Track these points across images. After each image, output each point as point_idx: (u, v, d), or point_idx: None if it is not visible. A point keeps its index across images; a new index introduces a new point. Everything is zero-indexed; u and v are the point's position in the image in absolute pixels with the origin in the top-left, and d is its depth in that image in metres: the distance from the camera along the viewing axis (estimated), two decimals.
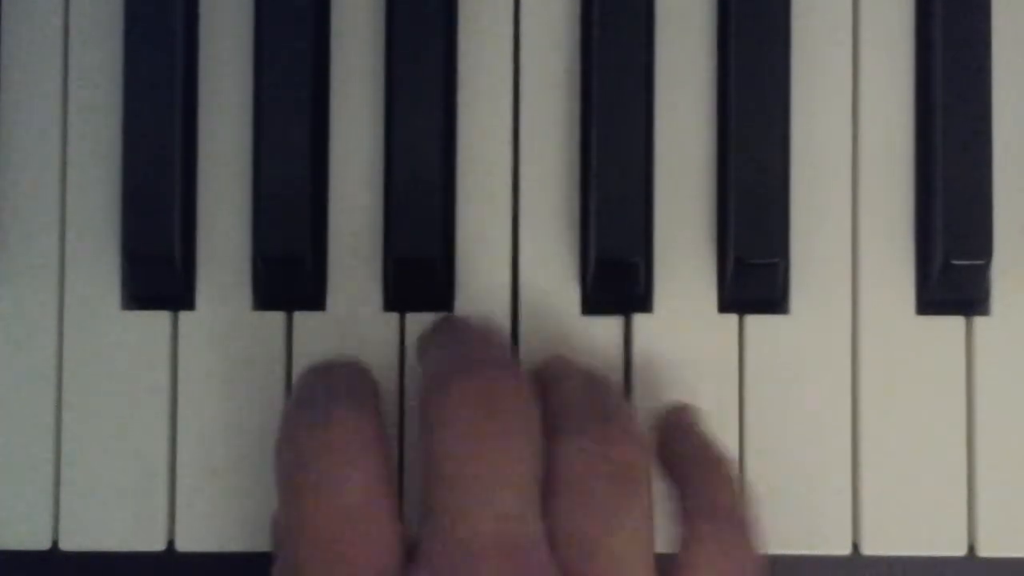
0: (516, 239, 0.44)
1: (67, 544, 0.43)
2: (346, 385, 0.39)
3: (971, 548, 0.43)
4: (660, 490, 0.41)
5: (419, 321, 0.43)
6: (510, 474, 0.36)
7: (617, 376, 0.43)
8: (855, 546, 0.43)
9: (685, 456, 0.41)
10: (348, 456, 0.37)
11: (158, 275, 0.43)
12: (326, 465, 0.36)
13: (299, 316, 0.43)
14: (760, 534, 0.40)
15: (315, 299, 0.43)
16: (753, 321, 0.43)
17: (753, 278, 0.43)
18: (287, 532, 0.37)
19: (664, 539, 0.39)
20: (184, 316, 0.43)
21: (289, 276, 0.43)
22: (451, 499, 0.36)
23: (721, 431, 0.43)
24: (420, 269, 0.43)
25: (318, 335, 0.43)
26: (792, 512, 0.43)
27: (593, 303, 0.43)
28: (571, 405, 0.39)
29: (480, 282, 0.43)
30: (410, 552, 0.36)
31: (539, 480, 0.37)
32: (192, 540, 0.43)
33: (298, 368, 0.43)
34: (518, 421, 0.37)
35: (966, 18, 0.43)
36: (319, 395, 0.38)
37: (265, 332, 0.43)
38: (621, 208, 0.42)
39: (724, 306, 0.43)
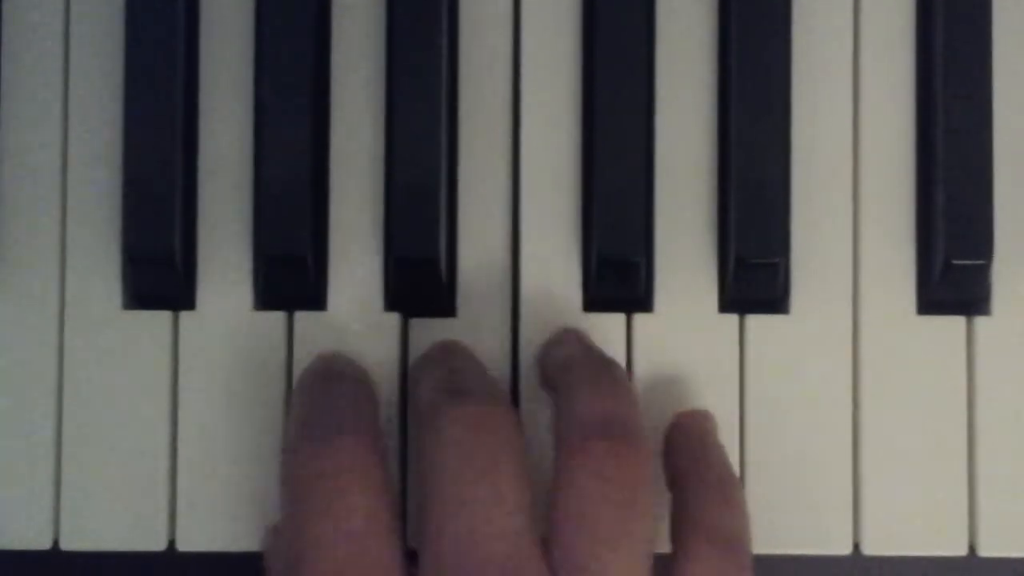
0: (517, 239, 0.44)
1: (67, 544, 0.43)
2: (351, 405, 0.39)
3: (971, 548, 0.43)
4: (661, 491, 0.41)
5: (419, 321, 0.43)
6: (507, 495, 0.36)
7: None
8: (855, 546, 0.43)
9: (694, 470, 0.40)
10: (353, 481, 0.37)
11: (159, 275, 0.43)
12: (332, 491, 0.37)
13: (300, 316, 0.43)
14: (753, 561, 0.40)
15: (316, 299, 0.43)
16: (753, 321, 0.43)
17: (754, 278, 0.43)
18: (290, 552, 0.37)
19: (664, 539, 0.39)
20: (185, 316, 0.43)
21: (290, 275, 0.43)
22: (450, 522, 0.36)
23: (721, 431, 0.43)
24: (421, 269, 0.43)
25: (319, 335, 0.43)
26: (792, 512, 0.43)
27: (594, 302, 0.43)
28: (576, 407, 0.39)
29: (481, 282, 0.43)
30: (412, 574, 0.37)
31: (532, 498, 0.37)
32: (192, 540, 0.43)
33: (299, 368, 0.43)
34: (510, 445, 0.37)
35: (966, 18, 0.43)
36: (324, 417, 0.39)
37: (266, 332, 0.43)
38: (622, 207, 0.42)
39: (725, 306, 0.43)
